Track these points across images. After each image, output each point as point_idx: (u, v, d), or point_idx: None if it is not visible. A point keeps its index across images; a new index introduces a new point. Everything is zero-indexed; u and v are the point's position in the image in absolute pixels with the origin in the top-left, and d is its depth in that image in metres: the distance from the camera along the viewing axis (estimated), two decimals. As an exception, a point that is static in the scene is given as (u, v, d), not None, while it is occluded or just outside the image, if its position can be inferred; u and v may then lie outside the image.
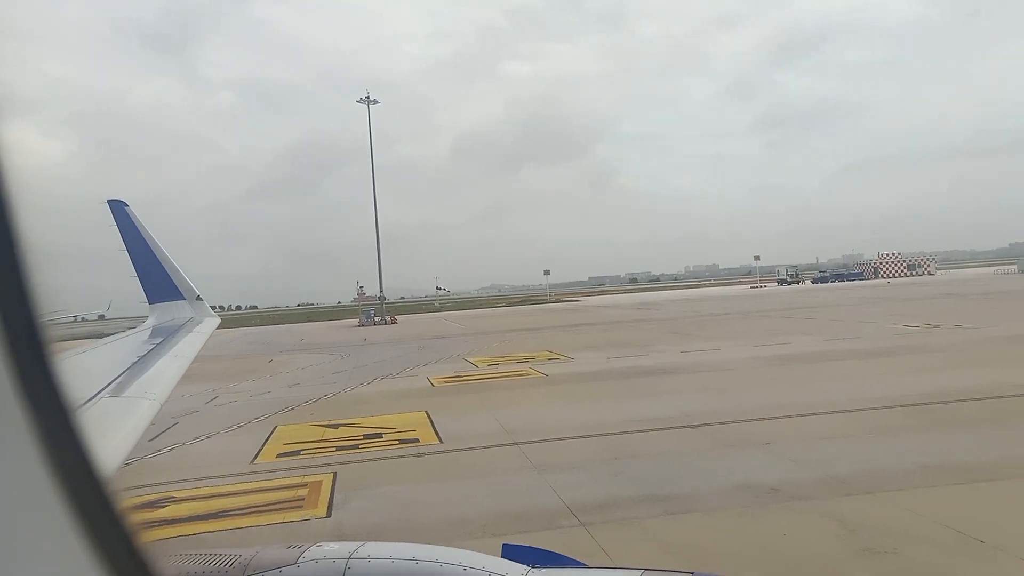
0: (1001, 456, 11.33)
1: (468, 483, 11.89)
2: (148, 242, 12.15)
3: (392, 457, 14.12)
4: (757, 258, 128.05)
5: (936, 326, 33.06)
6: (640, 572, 3.22)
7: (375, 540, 3.38)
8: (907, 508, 9.25)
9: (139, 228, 12.25)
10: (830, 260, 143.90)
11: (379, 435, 16.34)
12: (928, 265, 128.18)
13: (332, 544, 3.24)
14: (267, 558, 3.19)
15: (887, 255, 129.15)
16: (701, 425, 15.18)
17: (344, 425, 17.96)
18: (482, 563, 3.13)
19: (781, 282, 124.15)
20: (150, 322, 11.38)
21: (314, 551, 3.17)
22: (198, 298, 12.18)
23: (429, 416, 18.24)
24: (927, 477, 10.54)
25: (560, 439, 14.75)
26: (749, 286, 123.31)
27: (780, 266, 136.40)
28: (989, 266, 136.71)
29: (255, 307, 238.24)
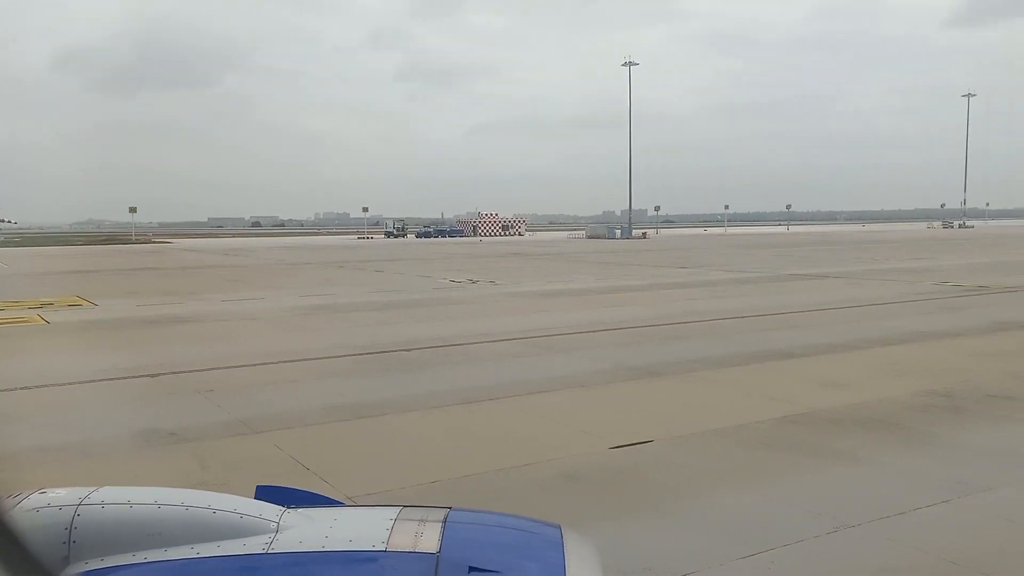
0: (409, 394, 13.35)
1: None
2: None
3: None
4: (365, 209, 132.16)
5: (475, 281, 37.41)
6: (399, 508, 3.17)
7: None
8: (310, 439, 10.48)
9: None
10: (455, 215, 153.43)
11: None
12: (519, 227, 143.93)
13: (58, 490, 2.84)
14: None
15: (486, 215, 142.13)
16: (164, 374, 15.39)
17: None
18: (233, 505, 3.00)
19: (388, 234, 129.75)
20: None
21: (35, 499, 2.78)
22: None
23: None
24: (327, 415, 12.03)
25: (-10, 392, 13.88)
26: (356, 236, 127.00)
27: (388, 219, 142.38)
28: (576, 230, 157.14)
29: None
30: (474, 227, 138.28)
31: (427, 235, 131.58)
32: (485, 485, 8.88)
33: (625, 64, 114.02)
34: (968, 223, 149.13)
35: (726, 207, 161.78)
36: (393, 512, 3.11)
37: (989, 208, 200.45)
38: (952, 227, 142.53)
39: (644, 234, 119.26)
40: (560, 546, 3.05)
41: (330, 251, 78.00)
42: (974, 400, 12.72)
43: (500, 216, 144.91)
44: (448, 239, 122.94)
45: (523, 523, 3.54)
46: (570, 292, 31.84)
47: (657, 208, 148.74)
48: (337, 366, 16.34)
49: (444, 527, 3.01)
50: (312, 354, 17.59)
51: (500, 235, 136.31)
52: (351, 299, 29.77)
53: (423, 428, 11.54)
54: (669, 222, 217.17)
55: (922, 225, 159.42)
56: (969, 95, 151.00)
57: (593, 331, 20.71)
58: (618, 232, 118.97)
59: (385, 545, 2.80)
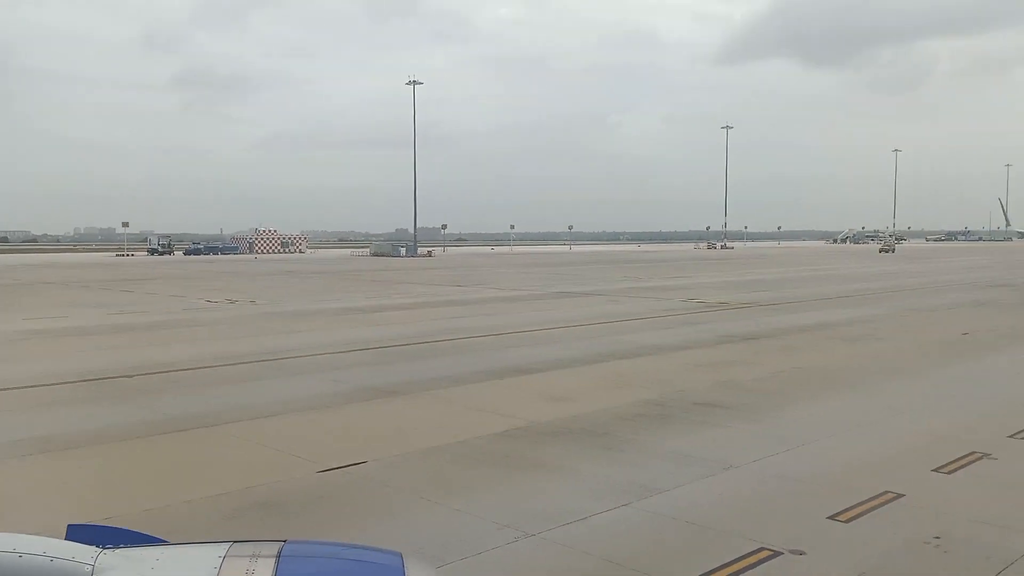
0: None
1: None
2: None
3: None
4: (126, 224, 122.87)
5: (234, 301, 35.81)
6: (228, 544, 3.04)
7: None
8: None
9: None
10: (239, 232, 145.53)
11: None
12: (300, 244, 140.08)
13: None
14: None
15: (264, 231, 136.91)
16: None
17: None
18: (43, 547, 2.84)
19: (152, 251, 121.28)
20: None
21: None
22: None
23: None
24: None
25: None
26: (116, 254, 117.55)
27: (152, 235, 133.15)
28: (361, 248, 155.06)
29: None
30: (250, 244, 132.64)
31: (197, 252, 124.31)
32: (167, 518, 8.40)
33: (409, 83, 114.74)
34: (729, 244, 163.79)
35: (512, 227, 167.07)
36: (222, 549, 3.06)
37: (748, 231, 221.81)
38: (716, 248, 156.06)
39: (430, 253, 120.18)
40: (401, 572, 3.08)
41: (80, 270, 71.50)
42: (681, 408, 13.88)
43: (279, 233, 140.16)
44: (220, 256, 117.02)
45: (362, 553, 3.63)
46: (333, 312, 31.32)
47: (444, 227, 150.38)
48: (52, 395, 14.93)
49: (278, 562, 2.97)
50: (17, 383, 15.95)
51: (279, 252, 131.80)
52: (85, 322, 27.40)
53: (117, 460, 10.78)
54: (462, 240, 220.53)
55: (691, 246, 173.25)
56: (727, 127, 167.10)
57: (344, 351, 20.45)
58: (403, 250, 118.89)
59: None
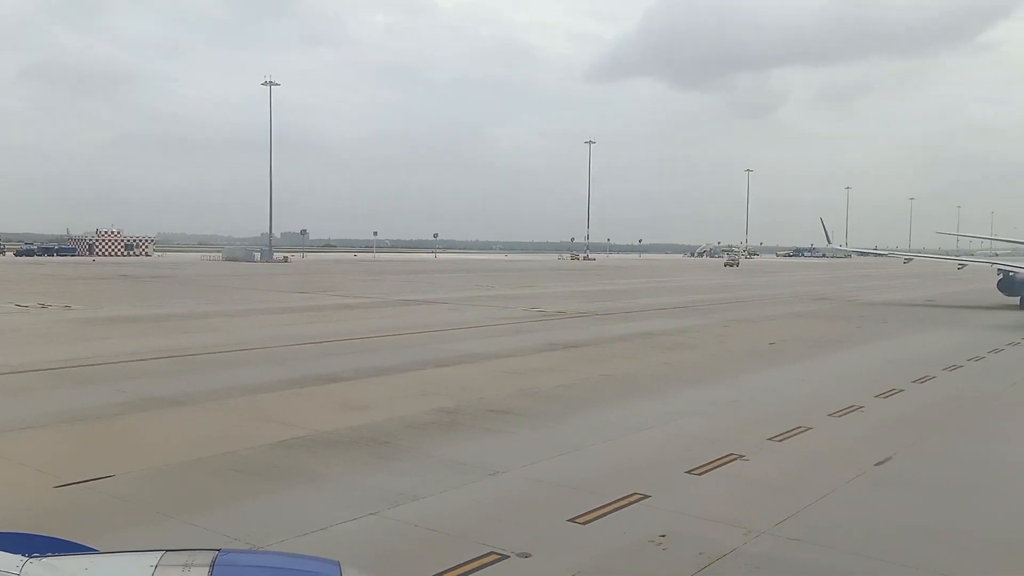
0: None
1: None
2: None
3: None
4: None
5: (46, 305, 33.59)
6: (160, 553, 2.99)
7: None
8: None
9: None
10: (84, 233, 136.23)
11: None
12: (146, 246, 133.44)
13: None
14: None
15: (106, 232, 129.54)
16: None
17: None
18: None
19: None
20: None
21: None
22: None
23: None
24: None
25: None
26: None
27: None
28: (214, 252, 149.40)
29: None
30: (90, 246, 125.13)
31: (29, 253, 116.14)
32: None
33: (266, 84, 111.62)
34: (591, 256, 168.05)
35: (375, 233, 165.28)
36: (153, 558, 2.94)
37: (611, 243, 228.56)
38: (578, 259, 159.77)
39: (286, 258, 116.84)
40: None
41: None
42: (473, 416, 14.01)
43: (124, 235, 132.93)
44: (56, 258, 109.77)
45: (299, 562, 3.67)
46: (153, 318, 29.91)
47: (304, 231, 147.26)
48: None
49: (212, 571, 2.89)
50: None
51: (123, 255, 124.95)
52: None
53: None
54: (330, 246, 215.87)
55: (555, 256, 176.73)
56: (590, 142, 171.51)
57: (145, 359, 19.51)
58: (257, 255, 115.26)
59: None
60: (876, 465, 11.18)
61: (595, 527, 8.56)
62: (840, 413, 14.64)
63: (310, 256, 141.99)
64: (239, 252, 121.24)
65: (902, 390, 17.16)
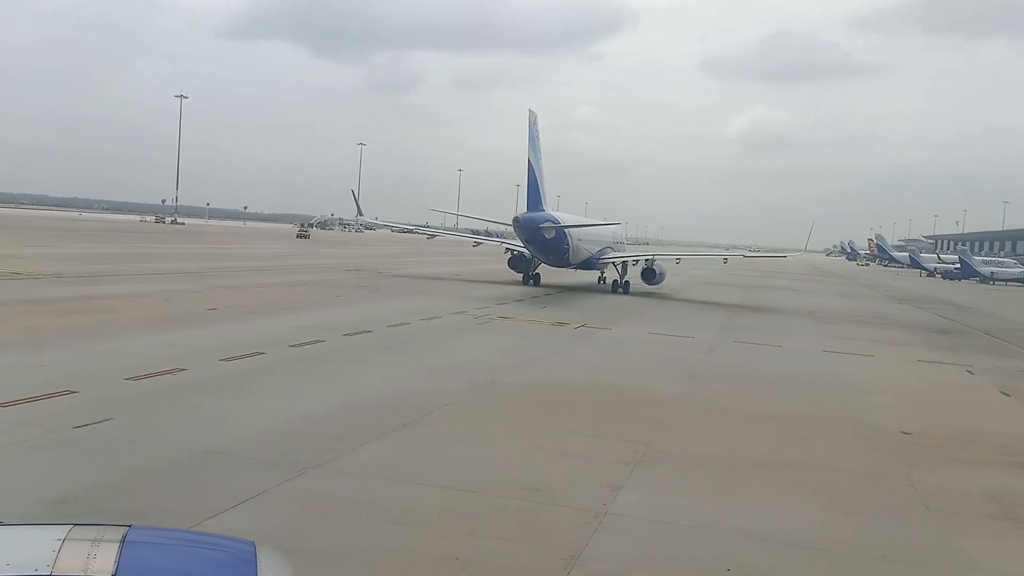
0: None
1: None
2: None
3: None
4: None
5: None
6: (68, 527, 2.99)
7: None
8: None
9: None
10: None
11: None
12: None
13: None
14: None
15: None
16: None
17: None
18: None
19: None
20: None
21: None
22: None
23: None
24: None
25: None
26: None
27: None
28: None
29: None
30: None
31: None
32: None
33: None
34: (180, 220, 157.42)
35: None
36: (61, 531, 2.94)
37: (210, 207, 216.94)
38: (163, 222, 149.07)
39: None
40: (254, 564, 3.04)
41: None
42: None
43: None
44: None
45: (213, 540, 3.60)
46: None
47: None
48: None
49: (122, 547, 2.88)
50: None
51: None
52: None
53: None
54: None
55: (137, 218, 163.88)
56: (182, 96, 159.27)
57: None
58: None
59: (51, 569, 2.68)
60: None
61: None
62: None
63: None
64: None
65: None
